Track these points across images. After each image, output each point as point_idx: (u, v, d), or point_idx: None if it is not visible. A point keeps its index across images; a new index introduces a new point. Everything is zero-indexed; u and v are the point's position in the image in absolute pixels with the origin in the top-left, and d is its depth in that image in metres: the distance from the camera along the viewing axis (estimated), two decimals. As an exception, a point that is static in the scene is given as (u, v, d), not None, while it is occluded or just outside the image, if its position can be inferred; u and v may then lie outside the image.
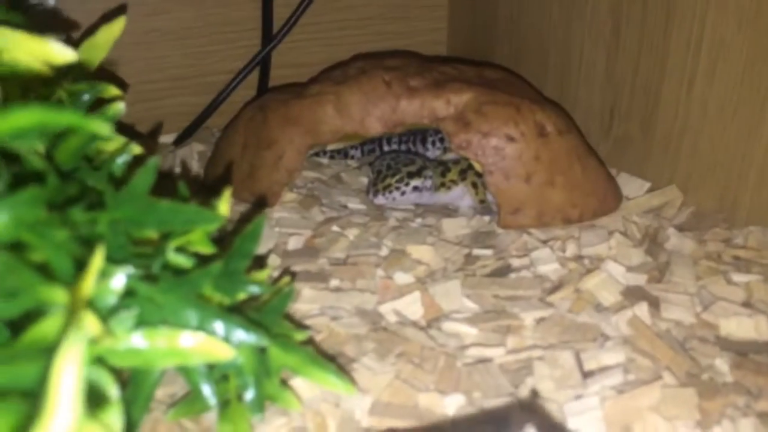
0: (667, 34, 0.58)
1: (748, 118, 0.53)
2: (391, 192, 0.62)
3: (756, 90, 0.52)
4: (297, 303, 0.48)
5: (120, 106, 0.39)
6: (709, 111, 0.56)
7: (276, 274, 0.52)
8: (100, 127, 0.21)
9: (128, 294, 0.28)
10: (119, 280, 0.26)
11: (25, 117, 0.20)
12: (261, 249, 0.55)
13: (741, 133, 0.54)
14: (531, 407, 0.38)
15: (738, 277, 0.49)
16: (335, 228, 0.58)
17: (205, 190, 0.66)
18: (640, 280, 0.50)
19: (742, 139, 0.54)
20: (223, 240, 0.54)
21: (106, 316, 0.26)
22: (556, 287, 0.50)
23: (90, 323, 0.23)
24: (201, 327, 0.29)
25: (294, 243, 0.56)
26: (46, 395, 0.15)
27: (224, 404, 0.34)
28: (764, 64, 0.51)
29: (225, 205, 0.34)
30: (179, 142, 0.78)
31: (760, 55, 0.51)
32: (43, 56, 0.30)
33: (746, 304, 0.47)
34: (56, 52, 0.30)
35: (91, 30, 0.47)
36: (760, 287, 0.48)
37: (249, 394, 0.33)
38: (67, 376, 0.15)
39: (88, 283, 0.23)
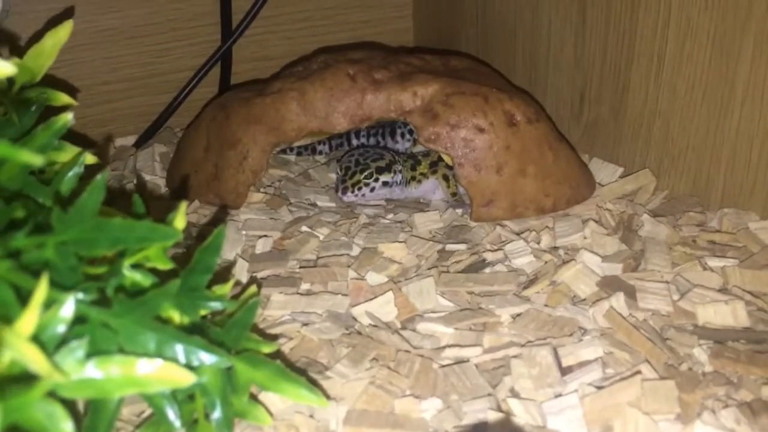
0: (634, 15, 0.57)
1: (717, 99, 0.53)
2: (360, 189, 0.60)
3: (725, 70, 0.51)
4: (267, 309, 0.47)
5: (68, 117, 0.37)
6: (679, 93, 0.55)
7: (245, 279, 0.51)
8: (31, 158, 0.20)
9: (80, 321, 0.26)
10: (68, 307, 0.25)
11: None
12: (228, 254, 0.53)
13: (711, 114, 0.53)
14: (509, 408, 0.37)
15: (713, 262, 0.49)
16: (305, 228, 0.57)
17: (169, 195, 0.64)
18: (616, 269, 0.49)
19: (712, 120, 0.53)
20: (189, 246, 0.52)
21: (55, 346, 0.25)
22: (532, 281, 0.49)
23: (34, 360, 0.21)
24: (160, 351, 0.27)
25: (262, 246, 0.55)
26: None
27: (192, 424, 0.33)
28: (732, 42, 0.50)
29: (181, 220, 0.32)
30: (140, 143, 0.76)
31: (728, 34, 0.50)
32: (-21, 70, 0.28)
33: (723, 290, 0.46)
34: (-7, 64, 0.28)
35: (38, 36, 0.45)
36: (735, 272, 0.47)
37: (216, 414, 0.32)
38: None
39: (30, 318, 0.21)
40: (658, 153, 0.59)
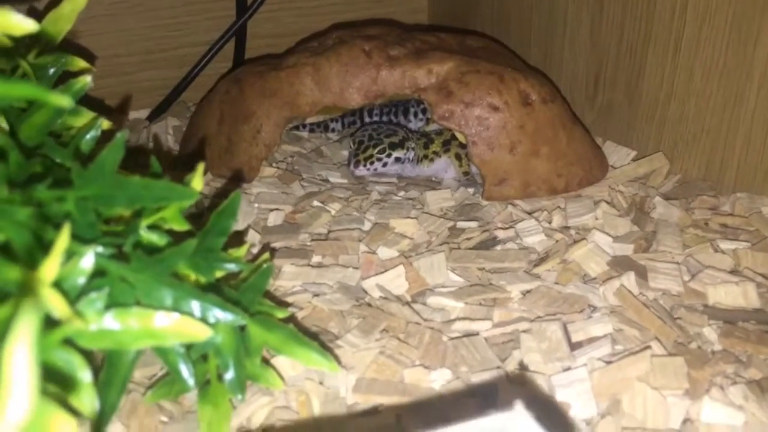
0: (652, -1, 0.57)
1: (734, 83, 0.52)
2: (372, 163, 0.60)
3: (742, 55, 0.51)
4: (278, 280, 0.47)
5: (87, 79, 0.37)
6: (695, 77, 0.55)
7: (255, 251, 0.51)
8: (61, 99, 0.20)
9: (99, 274, 0.26)
10: (88, 259, 0.25)
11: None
12: (240, 225, 0.54)
13: (727, 98, 0.53)
14: (519, 380, 0.38)
15: (725, 245, 0.49)
16: (316, 203, 0.57)
17: (180, 166, 0.64)
18: (627, 249, 0.49)
19: (728, 105, 0.53)
20: (200, 217, 0.53)
21: (75, 296, 0.25)
22: (543, 259, 0.49)
23: (56, 304, 0.22)
24: (176, 306, 0.28)
25: (274, 219, 0.55)
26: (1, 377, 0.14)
27: (204, 385, 0.33)
28: (751, 26, 0.50)
29: (199, 180, 0.32)
30: (153, 117, 0.76)
31: (746, 19, 0.50)
32: (4, 27, 0.28)
33: (734, 272, 0.46)
34: (16, 22, 0.28)
35: (56, 1, 0.45)
36: (747, 255, 0.47)
37: (229, 374, 0.32)
38: (20, 359, 0.14)
39: (53, 263, 0.21)
40: (672, 136, 0.59)
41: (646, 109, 0.60)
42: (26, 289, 0.19)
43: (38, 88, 0.19)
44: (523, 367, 0.39)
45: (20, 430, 0.13)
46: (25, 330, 0.14)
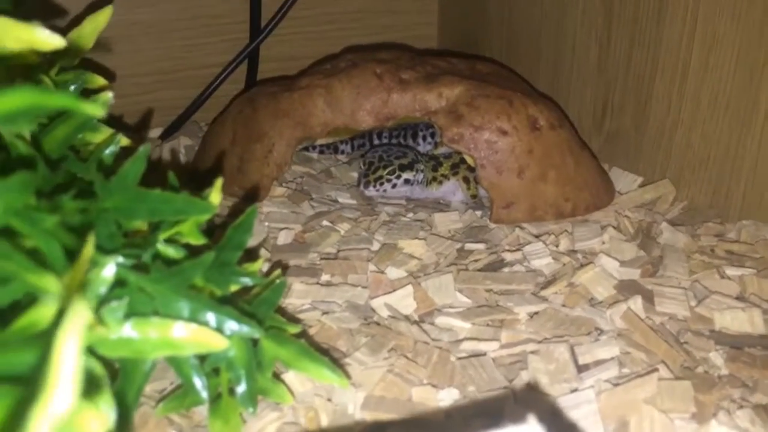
0: (660, 28, 0.58)
1: (740, 111, 0.53)
2: (382, 184, 0.61)
3: (748, 83, 0.52)
4: (288, 298, 0.48)
5: (108, 96, 0.38)
6: (702, 105, 0.56)
7: (266, 268, 0.51)
8: (94, 109, 0.20)
9: (119, 284, 0.27)
10: (110, 269, 0.25)
11: (18, 99, 0.19)
12: (251, 243, 0.54)
13: (733, 127, 0.54)
14: (526, 401, 0.38)
15: (731, 271, 0.49)
16: (326, 222, 0.58)
17: (194, 183, 0.65)
18: (633, 274, 0.49)
19: (734, 133, 0.54)
20: (212, 233, 0.53)
21: (96, 305, 0.25)
22: (550, 281, 0.49)
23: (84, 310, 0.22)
24: (193, 318, 0.28)
25: (284, 237, 0.56)
26: (46, 374, 0.14)
27: (215, 398, 0.33)
28: (757, 57, 0.51)
29: (216, 195, 0.33)
30: (166, 136, 0.77)
31: (753, 48, 0.51)
32: (31, 43, 0.29)
33: (740, 298, 0.47)
34: (44, 38, 0.29)
35: (77, 20, 0.46)
36: (753, 281, 0.48)
37: (241, 388, 0.33)
38: (68, 355, 0.15)
39: (81, 271, 0.22)
40: (679, 164, 0.59)
41: (653, 136, 0.61)
42: (65, 296, 0.20)
43: (73, 97, 0.20)
44: (530, 387, 0.39)
45: (59, 424, 0.14)
46: (76, 329, 0.15)
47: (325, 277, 0.50)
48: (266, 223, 0.58)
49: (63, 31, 0.46)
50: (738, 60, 0.52)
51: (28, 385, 0.15)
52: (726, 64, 0.53)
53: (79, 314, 0.15)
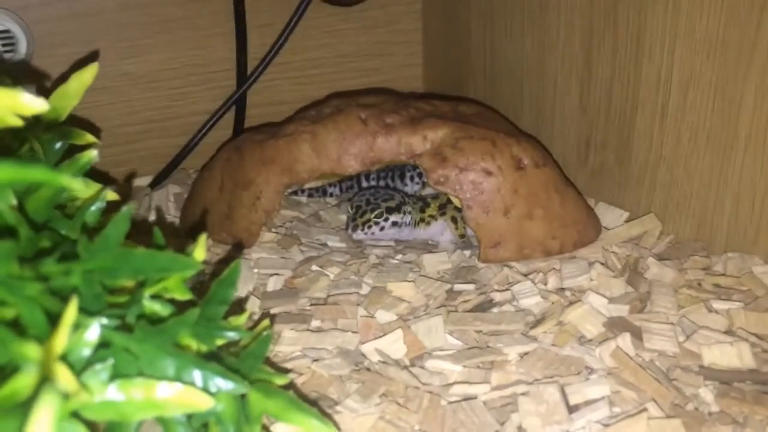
0: (638, 66, 0.59)
1: (721, 145, 0.54)
2: (370, 227, 0.62)
3: (727, 117, 0.53)
4: (278, 345, 0.48)
5: (93, 154, 0.39)
6: (682, 140, 0.57)
7: (256, 316, 0.52)
8: (71, 182, 0.21)
9: (103, 345, 0.27)
10: (93, 331, 0.26)
11: (-3, 173, 0.20)
12: (240, 291, 0.54)
13: (715, 161, 0.55)
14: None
15: (719, 305, 0.49)
16: (315, 267, 0.58)
17: (183, 233, 0.65)
18: (622, 310, 0.50)
19: (716, 166, 0.55)
20: (201, 283, 0.53)
21: (80, 368, 0.26)
22: (539, 321, 0.49)
23: (64, 378, 0.22)
24: (178, 376, 0.28)
25: (273, 284, 0.56)
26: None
27: (205, 454, 0.33)
28: (734, 91, 0.52)
29: (201, 251, 0.33)
30: (155, 184, 0.78)
31: (730, 85, 0.52)
32: (14, 108, 0.29)
33: (728, 332, 0.47)
34: (27, 103, 0.29)
35: (63, 77, 0.46)
36: (740, 315, 0.48)
37: (230, 443, 0.32)
38: None
39: (62, 338, 0.22)
40: (663, 198, 0.60)
41: (637, 171, 0.62)
42: (43, 367, 0.20)
43: (51, 171, 0.20)
44: (521, 430, 0.39)
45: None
46: (48, 407, 0.15)
47: (315, 323, 0.51)
48: (255, 270, 0.58)
49: (50, 89, 0.47)
50: (715, 95, 0.53)
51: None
52: (704, 101, 0.54)
53: (52, 392, 0.16)
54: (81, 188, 0.22)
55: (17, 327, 0.22)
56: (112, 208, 0.41)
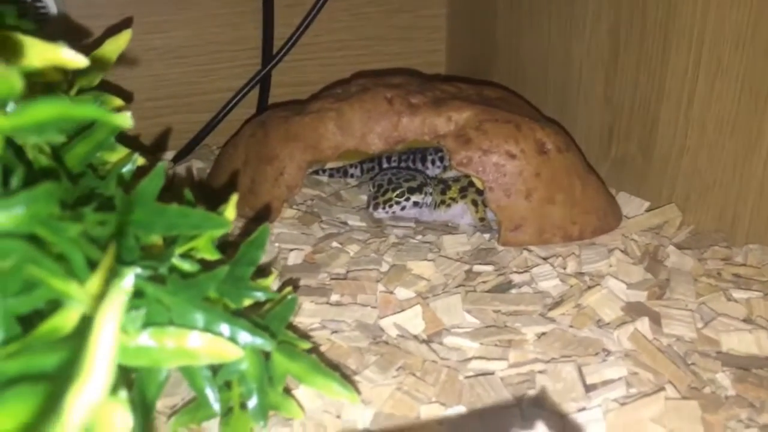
0: (665, 55, 0.59)
1: (745, 136, 0.54)
2: (391, 206, 0.62)
3: (753, 109, 0.53)
4: (298, 317, 0.48)
5: (127, 114, 0.39)
6: (707, 130, 0.57)
7: (276, 287, 0.52)
8: (122, 120, 0.21)
9: (136, 294, 0.28)
10: (129, 279, 0.26)
11: (48, 110, 0.20)
12: (261, 262, 0.55)
13: (739, 151, 0.55)
14: (534, 418, 0.38)
15: (738, 294, 0.49)
16: (335, 244, 0.58)
17: (207, 202, 0.66)
18: (640, 296, 0.50)
19: (740, 157, 0.55)
20: (224, 250, 0.54)
21: (114, 315, 0.26)
22: (557, 303, 0.50)
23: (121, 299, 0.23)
24: (207, 329, 0.29)
25: (294, 258, 0.56)
26: (83, 361, 0.15)
27: (227, 412, 0.34)
28: (762, 82, 0.52)
29: (231, 211, 0.34)
30: (179, 159, 0.78)
31: (758, 74, 0.52)
32: (56, 61, 0.30)
33: (747, 320, 0.47)
34: (68, 57, 0.30)
35: (96, 43, 0.47)
36: (760, 304, 0.48)
37: (252, 402, 0.33)
38: (105, 343, 0.15)
39: (101, 280, 0.23)
40: (685, 188, 0.60)
41: (660, 161, 0.62)
42: (90, 299, 0.20)
43: (100, 110, 0.21)
44: (538, 406, 0.40)
45: (90, 414, 0.14)
46: (114, 308, 0.16)
47: (334, 297, 0.51)
48: (276, 244, 0.58)
49: (84, 52, 0.47)
50: (743, 86, 0.53)
51: (59, 379, 0.15)
52: (731, 91, 0.54)
53: (118, 301, 0.16)
54: (130, 124, 0.22)
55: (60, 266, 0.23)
56: (140, 174, 0.42)
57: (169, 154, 0.79)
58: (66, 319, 0.21)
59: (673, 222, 0.60)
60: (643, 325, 0.46)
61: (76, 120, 0.20)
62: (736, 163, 0.55)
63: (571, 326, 0.47)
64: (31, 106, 0.20)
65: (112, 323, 0.16)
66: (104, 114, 0.21)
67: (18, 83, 0.20)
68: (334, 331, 0.46)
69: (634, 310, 0.48)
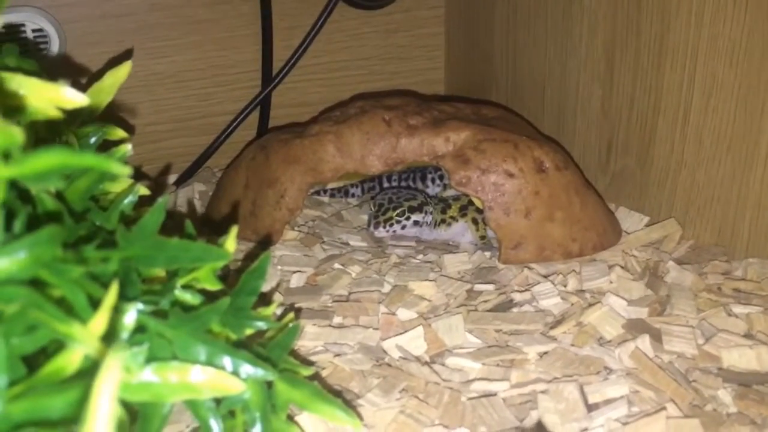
0: (661, 71, 0.60)
1: (742, 151, 0.54)
2: (391, 225, 0.62)
3: (749, 123, 0.53)
4: (301, 340, 0.48)
5: (127, 148, 0.40)
6: (705, 145, 0.57)
7: (279, 312, 0.52)
8: (120, 168, 0.22)
9: (139, 330, 0.28)
10: (131, 315, 0.27)
11: (49, 160, 0.21)
12: (265, 287, 0.55)
13: (736, 166, 0.55)
14: (537, 441, 0.38)
15: (738, 309, 0.50)
16: (337, 265, 0.59)
17: (208, 229, 0.66)
18: (641, 313, 0.50)
19: (737, 171, 0.55)
20: (226, 277, 0.54)
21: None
22: (559, 321, 0.50)
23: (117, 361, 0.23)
24: (210, 362, 0.29)
25: (296, 281, 0.57)
26: (85, 416, 0.15)
27: (231, 441, 0.34)
28: (756, 98, 0.52)
29: (232, 242, 0.34)
30: (181, 182, 0.79)
31: (752, 90, 0.52)
32: (56, 101, 0.30)
33: (747, 336, 0.47)
34: (68, 96, 0.30)
35: (98, 75, 0.48)
36: (760, 319, 0.48)
37: (256, 430, 0.33)
38: (104, 401, 0.16)
39: (103, 319, 0.23)
40: (684, 203, 0.60)
41: (658, 176, 0.62)
42: (91, 343, 0.21)
43: (101, 158, 0.21)
44: (540, 427, 0.40)
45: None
46: (113, 372, 0.16)
47: (337, 320, 0.51)
48: (279, 267, 0.59)
49: (83, 87, 0.48)
50: (738, 101, 0.54)
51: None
52: (726, 106, 0.55)
53: (116, 359, 0.17)
54: (128, 172, 0.23)
55: (62, 308, 0.23)
56: (143, 203, 0.43)
57: (172, 178, 0.80)
58: (70, 360, 0.22)
59: (673, 237, 0.60)
60: (644, 342, 0.46)
61: (75, 168, 0.21)
62: (734, 177, 0.55)
63: (572, 345, 0.47)
64: (31, 157, 0.21)
65: (108, 389, 0.16)
66: (103, 162, 0.22)
67: (19, 135, 0.20)
68: (337, 354, 0.47)
69: (635, 328, 0.48)
